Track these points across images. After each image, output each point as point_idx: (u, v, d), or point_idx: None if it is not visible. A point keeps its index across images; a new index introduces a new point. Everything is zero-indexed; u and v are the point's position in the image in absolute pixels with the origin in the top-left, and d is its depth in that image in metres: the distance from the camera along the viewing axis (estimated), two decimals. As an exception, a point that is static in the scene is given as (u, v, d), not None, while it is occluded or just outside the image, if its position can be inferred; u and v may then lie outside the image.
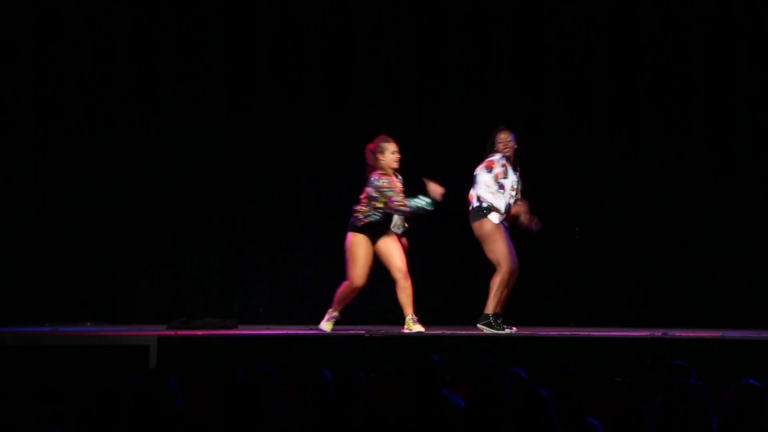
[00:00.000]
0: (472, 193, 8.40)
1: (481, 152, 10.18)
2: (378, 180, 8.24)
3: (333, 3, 10.42)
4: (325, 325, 8.38)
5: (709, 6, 10.06)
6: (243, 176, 10.33)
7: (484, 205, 8.32)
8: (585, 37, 10.18)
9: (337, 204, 8.96)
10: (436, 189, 8.17)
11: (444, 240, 10.03)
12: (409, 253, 10.37)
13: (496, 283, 8.29)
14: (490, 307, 8.28)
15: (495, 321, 8.26)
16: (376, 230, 8.27)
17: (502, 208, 8.32)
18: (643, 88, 10.13)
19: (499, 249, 8.29)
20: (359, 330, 8.20)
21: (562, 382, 4.97)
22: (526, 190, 8.53)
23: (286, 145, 10.24)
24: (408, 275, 8.24)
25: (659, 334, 7.92)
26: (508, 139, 8.41)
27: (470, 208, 8.41)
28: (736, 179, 9.99)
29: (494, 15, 10.27)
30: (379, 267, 10.15)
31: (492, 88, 10.30)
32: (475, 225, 8.38)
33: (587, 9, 10.17)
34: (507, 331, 8.24)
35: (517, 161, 8.44)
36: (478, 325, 8.26)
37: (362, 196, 8.29)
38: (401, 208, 8.22)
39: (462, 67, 10.32)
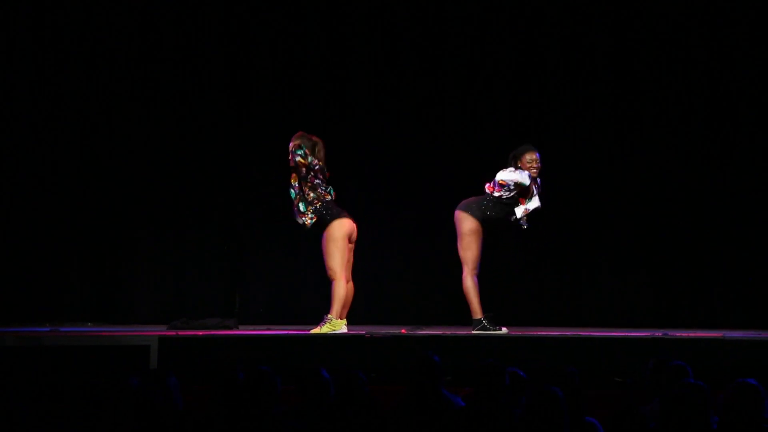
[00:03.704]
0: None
1: (479, 152, 10.23)
2: None
3: (333, 3, 10.41)
4: None
5: (709, 6, 10.05)
6: (243, 176, 10.32)
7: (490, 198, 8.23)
8: (585, 36, 10.18)
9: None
10: None
11: (444, 240, 10.03)
12: (409, 253, 10.42)
13: (471, 285, 8.23)
14: (478, 311, 8.24)
15: (489, 322, 8.19)
16: None
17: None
18: (643, 88, 10.13)
19: (475, 249, 8.25)
20: (359, 330, 8.19)
21: (562, 382, 4.97)
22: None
23: (287, 146, 10.23)
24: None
25: (659, 334, 7.92)
26: (536, 160, 8.28)
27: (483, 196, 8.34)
28: (736, 179, 9.98)
29: (494, 15, 10.26)
30: (379, 267, 10.20)
31: (492, 88, 10.29)
32: (462, 215, 8.29)
33: (587, 9, 10.17)
34: (501, 330, 8.19)
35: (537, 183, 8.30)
36: (474, 332, 8.16)
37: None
38: None
39: (462, 67, 10.31)
